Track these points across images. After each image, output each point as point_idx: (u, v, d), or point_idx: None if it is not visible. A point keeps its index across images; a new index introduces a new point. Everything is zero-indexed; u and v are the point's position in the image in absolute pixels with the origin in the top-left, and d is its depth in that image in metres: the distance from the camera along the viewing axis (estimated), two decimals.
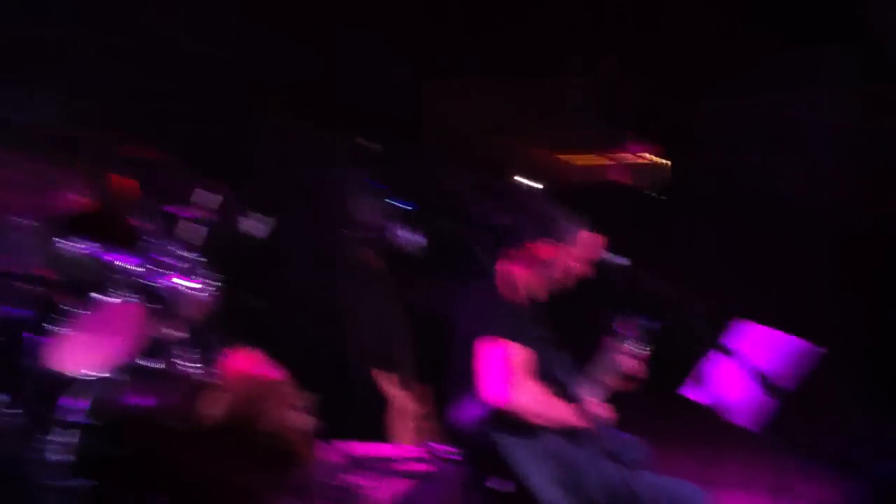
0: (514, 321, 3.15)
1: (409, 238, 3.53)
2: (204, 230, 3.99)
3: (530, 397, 3.06)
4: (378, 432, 4.99)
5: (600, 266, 3.33)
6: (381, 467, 4.42)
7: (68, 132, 4.54)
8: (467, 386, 3.11)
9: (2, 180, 3.18)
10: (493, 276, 3.28)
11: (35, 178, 3.39)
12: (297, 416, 2.64)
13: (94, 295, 3.55)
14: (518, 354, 3.06)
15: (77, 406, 3.60)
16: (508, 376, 3.02)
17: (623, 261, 3.34)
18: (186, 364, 3.80)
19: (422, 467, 4.46)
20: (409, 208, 5.15)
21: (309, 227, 5.20)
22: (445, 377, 3.26)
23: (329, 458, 4.25)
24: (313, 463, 3.50)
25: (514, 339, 3.07)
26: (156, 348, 3.89)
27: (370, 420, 5.20)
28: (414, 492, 4.22)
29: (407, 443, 4.97)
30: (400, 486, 4.23)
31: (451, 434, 3.28)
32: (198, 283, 3.88)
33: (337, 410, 4.37)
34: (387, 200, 4.42)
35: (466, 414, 3.16)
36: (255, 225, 4.20)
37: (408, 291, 5.19)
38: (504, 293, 3.23)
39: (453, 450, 3.35)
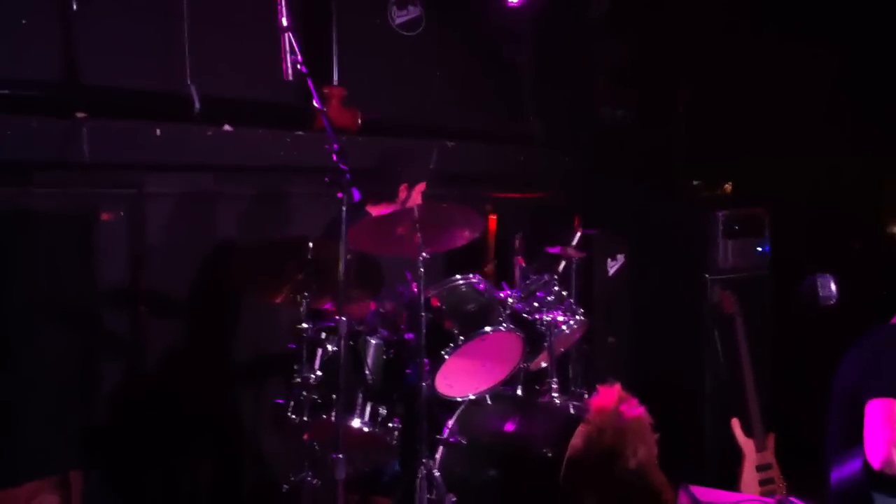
0: None
1: (828, 290, 3.47)
2: (574, 269, 4.19)
3: None
4: (722, 478, 4.92)
5: None
6: None
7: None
8: (848, 442, 3.03)
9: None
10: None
11: (444, 217, 3.70)
12: (657, 454, 2.67)
13: (477, 324, 3.81)
14: None
15: (451, 426, 3.88)
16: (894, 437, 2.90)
17: None
18: (556, 396, 3.98)
19: None
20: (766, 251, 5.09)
21: (667, 268, 5.29)
22: (826, 431, 3.18)
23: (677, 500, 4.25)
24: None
25: None
26: (529, 379, 4.12)
27: (716, 464, 5.15)
28: None
29: (751, 492, 4.86)
30: None
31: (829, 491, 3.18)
32: (570, 319, 4.06)
33: (685, 451, 4.37)
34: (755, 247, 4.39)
35: (845, 471, 3.07)
36: (615, 265, 4.35)
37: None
38: None
39: None
